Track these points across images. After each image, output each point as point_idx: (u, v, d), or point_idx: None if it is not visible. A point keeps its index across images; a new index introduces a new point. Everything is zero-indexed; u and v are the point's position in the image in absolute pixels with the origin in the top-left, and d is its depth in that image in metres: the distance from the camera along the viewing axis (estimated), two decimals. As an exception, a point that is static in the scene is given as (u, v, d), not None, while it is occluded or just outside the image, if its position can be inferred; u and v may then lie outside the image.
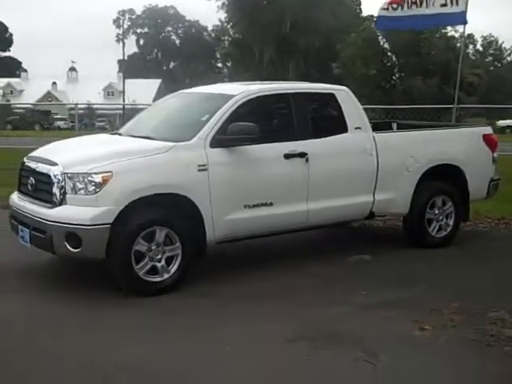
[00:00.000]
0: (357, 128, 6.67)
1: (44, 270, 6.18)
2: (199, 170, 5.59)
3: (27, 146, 9.18)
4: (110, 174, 5.24)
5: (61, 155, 5.75)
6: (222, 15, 60.62)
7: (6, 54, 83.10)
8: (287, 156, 6.10)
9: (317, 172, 6.24)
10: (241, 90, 6.23)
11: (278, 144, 6.11)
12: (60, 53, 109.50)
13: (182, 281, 5.54)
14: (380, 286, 5.66)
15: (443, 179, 7.23)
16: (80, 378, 3.86)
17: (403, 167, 6.88)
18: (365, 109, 7.11)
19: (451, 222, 7.26)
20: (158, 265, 5.41)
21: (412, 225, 7.13)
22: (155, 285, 5.40)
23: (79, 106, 21.35)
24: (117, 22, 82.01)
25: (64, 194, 5.31)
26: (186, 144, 5.67)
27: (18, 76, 76.32)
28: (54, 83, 70.58)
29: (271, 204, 6.02)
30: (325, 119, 6.94)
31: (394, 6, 11.75)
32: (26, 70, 79.18)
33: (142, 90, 60.27)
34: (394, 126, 8.43)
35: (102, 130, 35.06)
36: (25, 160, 6.08)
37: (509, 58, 73.50)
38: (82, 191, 5.26)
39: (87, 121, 45.29)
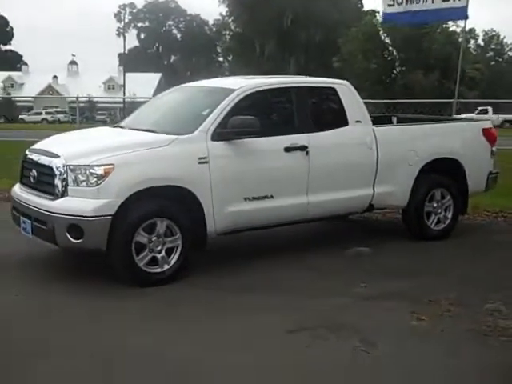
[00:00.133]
0: (357, 122, 6.72)
1: (46, 261, 6.22)
2: (200, 163, 5.64)
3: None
4: (111, 166, 5.29)
5: (63, 148, 5.79)
6: (223, 9, 60.85)
7: (7, 47, 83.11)
8: (288, 149, 6.14)
9: (317, 165, 6.28)
10: (242, 84, 6.27)
11: (278, 137, 6.15)
12: (61, 46, 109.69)
13: (184, 272, 5.59)
14: (379, 278, 5.71)
15: (442, 172, 7.27)
16: (82, 368, 3.90)
17: (403, 160, 6.92)
18: (365, 103, 7.15)
19: (450, 215, 7.31)
20: (159, 256, 5.46)
21: (411, 217, 7.18)
22: (155, 275, 5.45)
23: (80, 99, 21.42)
24: (118, 16, 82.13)
25: (66, 185, 5.35)
26: (187, 137, 5.71)
27: (19, 69, 76.22)
28: (55, 77, 70.57)
29: (272, 197, 6.07)
30: (325, 113, 6.98)
31: (399, 0, 11.81)
32: (26, 64, 79.17)
33: (143, 83, 60.38)
34: (394, 119, 8.46)
35: (103, 123, 35.07)
36: (27, 152, 6.12)
37: (510, 53, 73.48)
38: (84, 183, 5.30)
39: (88, 114, 45.41)
